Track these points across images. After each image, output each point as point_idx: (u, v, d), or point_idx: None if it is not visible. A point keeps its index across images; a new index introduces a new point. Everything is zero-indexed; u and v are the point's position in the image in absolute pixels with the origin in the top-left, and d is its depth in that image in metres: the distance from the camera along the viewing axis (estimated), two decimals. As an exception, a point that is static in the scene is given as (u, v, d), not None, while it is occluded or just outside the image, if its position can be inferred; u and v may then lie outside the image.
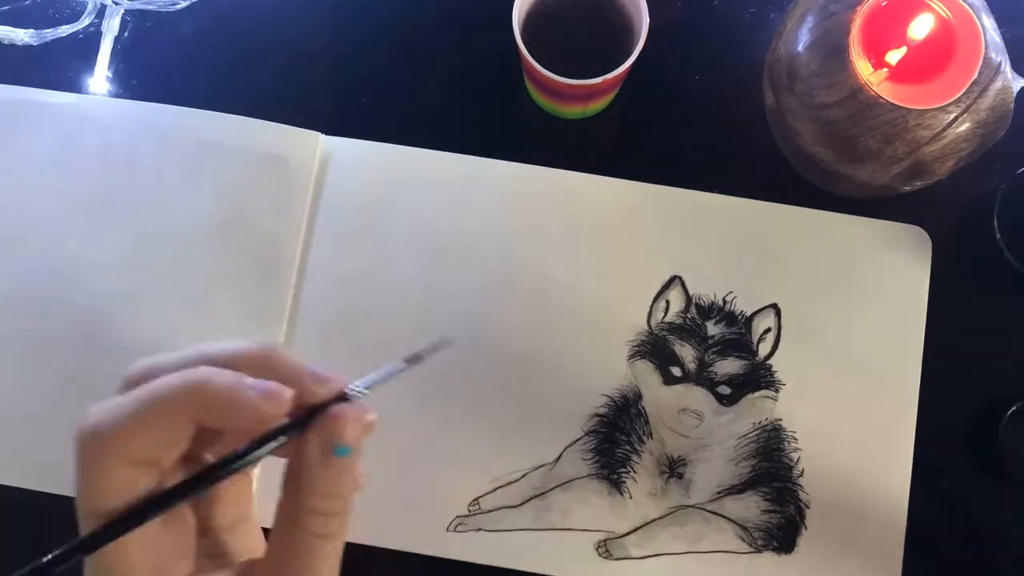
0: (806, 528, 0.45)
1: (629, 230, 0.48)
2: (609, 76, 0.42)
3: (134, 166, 0.48)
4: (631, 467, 0.46)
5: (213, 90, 0.50)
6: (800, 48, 0.43)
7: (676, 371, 0.46)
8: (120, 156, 0.48)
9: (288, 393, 0.28)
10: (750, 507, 0.46)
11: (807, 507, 0.45)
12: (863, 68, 0.41)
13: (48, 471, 0.45)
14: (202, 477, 0.28)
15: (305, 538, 0.28)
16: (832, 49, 0.42)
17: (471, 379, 0.46)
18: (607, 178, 0.48)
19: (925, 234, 0.48)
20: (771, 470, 0.46)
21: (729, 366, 0.47)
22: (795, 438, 0.46)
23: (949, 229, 0.48)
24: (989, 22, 0.42)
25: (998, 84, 0.41)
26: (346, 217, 0.48)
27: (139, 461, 0.27)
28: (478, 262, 0.48)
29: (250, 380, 0.27)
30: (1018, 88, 0.42)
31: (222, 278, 0.47)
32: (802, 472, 0.46)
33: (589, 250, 0.48)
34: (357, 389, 0.30)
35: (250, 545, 0.31)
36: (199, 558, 0.29)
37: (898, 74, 0.42)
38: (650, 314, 0.47)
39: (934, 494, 0.46)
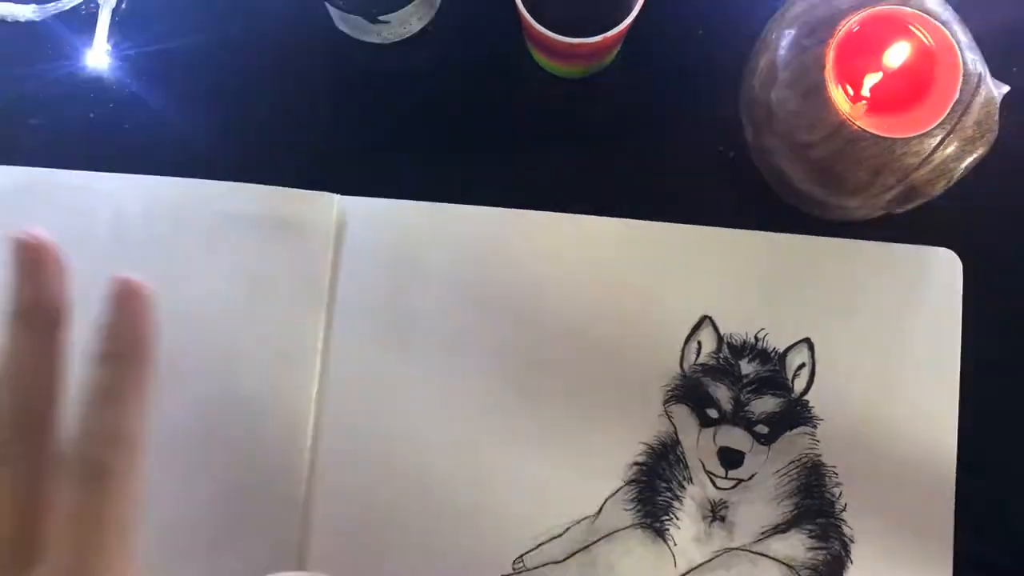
0: (852, 563, 0.45)
1: (655, 272, 0.47)
2: (610, 34, 0.42)
3: (149, 242, 0.47)
4: (673, 514, 0.45)
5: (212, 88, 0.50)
6: (776, 87, 0.42)
7: (712, 413, 0.46)
8: (134, 233, 0.47)
9: None
10: (795, 546, 0.45)
11: (852, 541, 0.45)
12: (843, 103, 0.41)
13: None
14: None
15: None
16: (809, 86, 0.41)
17: (506, 436, 0.46)
18: (630, 220, 0.48)
19: (955, 256, 0.47)
20: (814, 507, 0.46)
21: (765, 404, 0.46)
22: (835, 473, 0.46)
23: (974, 239, 0.47)
24: (962, 30, 0.42)
25: (981, 97, 0.41)
26: (368, 280, 0.47)
27: None
28: (506, 317, 0.47)
29: None
30: (1001, 96, 0.41)
31: (246, 352, 0.46)
32: (844, 507, 0.46)
33: (617, 296, 0.47)
34: None
35: None
36: None
37: (878, 104, 0.41)
38: (682, 357, 0.47)
39: (979, 519, 0.46)
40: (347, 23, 0.48)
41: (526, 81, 0.50)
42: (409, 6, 0.46)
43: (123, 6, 0.50)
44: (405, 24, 0.48)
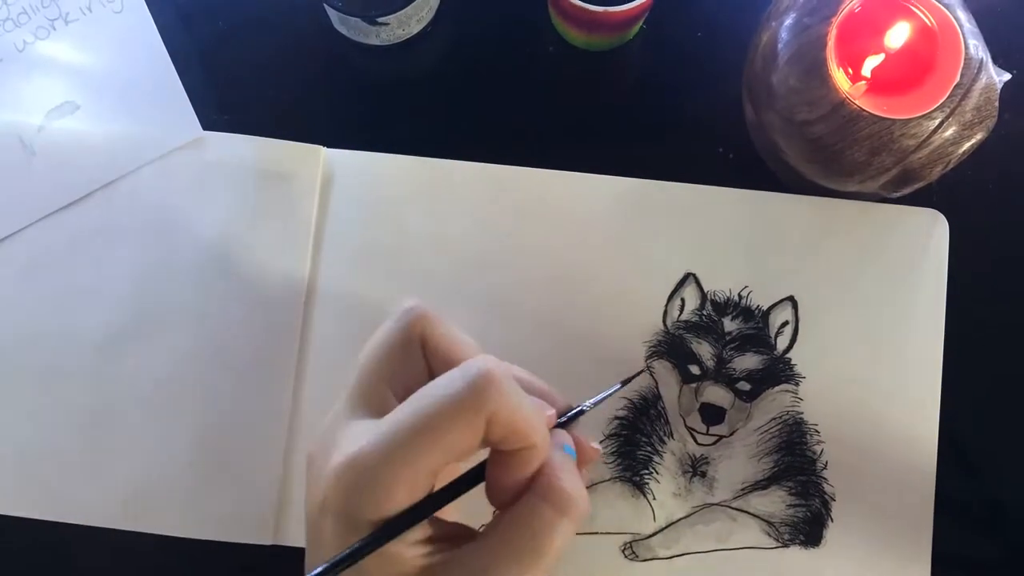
0: (832, 520, 0.45)
1: (639, 229, 0.47)
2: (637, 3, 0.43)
3: (137, 192, 0.47)
4: (653, 468, 0.46)
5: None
6: (777, 64, 0.42)
7: (694, 369, 0.46)
8: (123, 183, 0.48)
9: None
10: (775, 502, 0.45)
11: (832, 499, 0.45)
12: (843, 82, 0.41)
13: (69, 502, 0.45)
14: (467, 480, 0.31)
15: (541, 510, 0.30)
16: (810, 65, 0.41)
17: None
18: (614, 178, 0.48)
19: (942, 217, 0.47)
20: (794, 464, 0.46)
21: (748, 362, 0.46)
22: (817, 431, 0.46)
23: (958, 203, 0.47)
24: (965, 16, 0.41)
25: (982, 82, 0.41)
26: (353, 231, 0.48)
27: (429, 473, 0.29)
28: (489, 270, 0.47)
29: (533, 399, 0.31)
30: (1002, 83, 0.41)
31: (232, 301, 0.47)
32: (826, 464, 0.45)
33: (601, 252, 0.47)
34: (586, 406, 0.36)
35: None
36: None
37: (879, 84, 0.41)
38: (665, 313, 0.47)
39: (960, 477, 0.46)
40: (346, 25, 0.48)
41: (526, 81, 0.50)
42: (408, 8, 0.46)
43: None
44: (404, 26, 0.48)
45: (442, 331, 0.33)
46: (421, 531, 0.30)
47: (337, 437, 0.30)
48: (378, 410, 0.31)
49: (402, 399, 0.30)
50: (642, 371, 0.45)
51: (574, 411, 0.36)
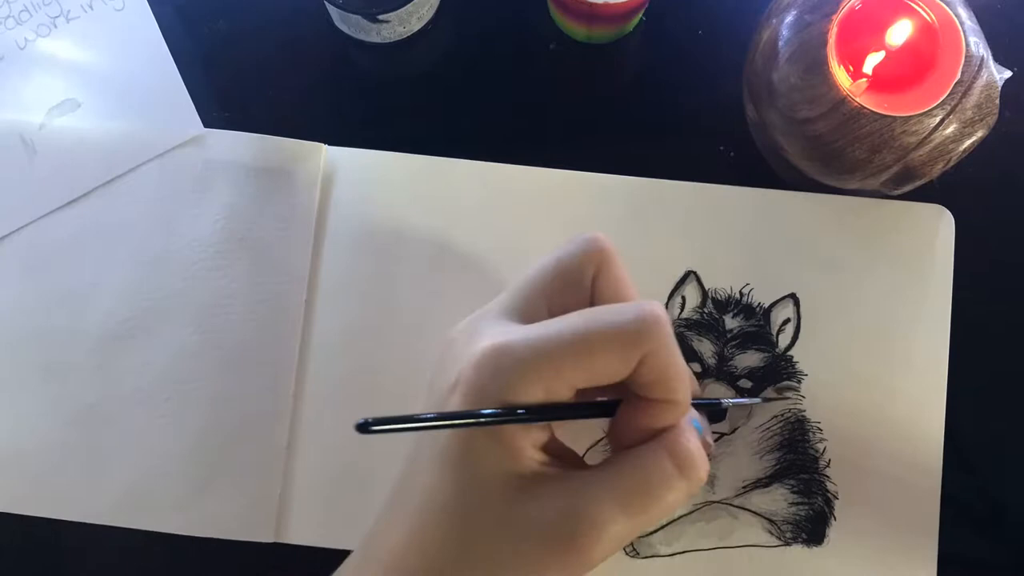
0: (835, 519, 0.45)
1: (640, 227, 0.47)
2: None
3: (138, 190, 0.47)
4: (655, 466, 0.45)
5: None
6: (778, 62, 0.42)
7: (696, 367, 0.46)
8: (124, 180, 0.48)
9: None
10: (777, 500, 0.45)
11: (835, 497, 0.45)
12: (843, 79, 0.41)
13: (69, 500, 0.45)
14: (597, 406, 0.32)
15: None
16: (811, 62, 0.41)
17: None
18: (614, 176, 0.48)
19: (947, 212, 0.47)
20: (797, 462, 0.45)
21: (749, 359, 0.46)
22: (820, 428, 0.46)
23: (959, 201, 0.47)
24: (966, 13, 0.42)
25: (983, 80, 0.41)
26: (354, 229, 0.48)
27: (568, 386, 0.29)
28: (490, 268, 0.47)
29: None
30: (1003, 80, 0.41)
31: (233, 298, 0.47)
32: (828, 463, 0.45)
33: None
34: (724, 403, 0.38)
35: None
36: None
37: (879, 82, 0.41)
38: (666, 311, 0.47)
39: (965, 476, 0.45)
40: (347, 23, 0.48)
41: (527, 79, 0.50)
42: (409, 5, 0.46)
43: None
44: (405, 23, 0.48)
45: (617, 271, 0.33)
46: (541, 434, 0.30)
47: (486, 328, 0.31)
48: (529, 320, 0.31)
49: None
50: (787, 398, 0.45)
51: (713, 401, 0.37)
